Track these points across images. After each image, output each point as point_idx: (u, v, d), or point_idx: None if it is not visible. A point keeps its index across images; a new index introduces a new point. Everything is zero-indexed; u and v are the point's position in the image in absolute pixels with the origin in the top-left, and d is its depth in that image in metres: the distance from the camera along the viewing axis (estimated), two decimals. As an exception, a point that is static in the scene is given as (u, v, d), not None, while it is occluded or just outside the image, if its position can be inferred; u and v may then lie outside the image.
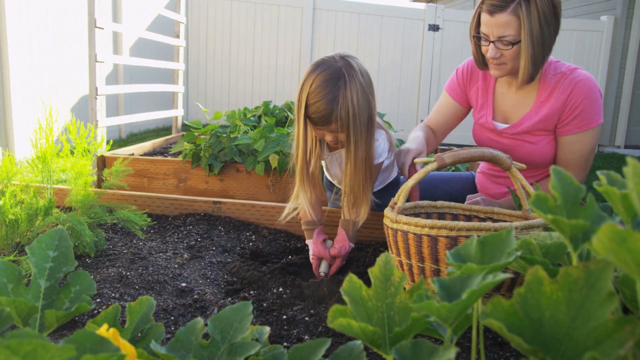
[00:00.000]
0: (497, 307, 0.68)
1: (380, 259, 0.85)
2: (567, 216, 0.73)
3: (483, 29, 1.78)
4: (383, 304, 0.83)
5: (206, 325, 0.87)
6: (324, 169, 2.05)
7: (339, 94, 1.58)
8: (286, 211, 1.83)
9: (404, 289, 0.82)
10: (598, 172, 0.85)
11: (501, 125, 1.99)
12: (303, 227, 1.86)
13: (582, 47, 8.03)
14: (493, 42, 1.76)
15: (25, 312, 0.82)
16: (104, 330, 0.72)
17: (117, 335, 0.72)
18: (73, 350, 0.57)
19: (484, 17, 1.76)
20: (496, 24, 1.72)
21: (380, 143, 1.76)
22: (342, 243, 1.77)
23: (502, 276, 0.72)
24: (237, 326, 0.85)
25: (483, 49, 1.83)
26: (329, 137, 1.68)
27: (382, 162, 1.83)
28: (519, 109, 1.96)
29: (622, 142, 8.31)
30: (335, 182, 2.05)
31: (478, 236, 0.94)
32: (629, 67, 8.12)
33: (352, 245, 1.80)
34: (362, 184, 1.70)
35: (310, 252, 1.80)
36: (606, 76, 8.06)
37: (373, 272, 0.84)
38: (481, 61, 1.92)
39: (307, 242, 1.84)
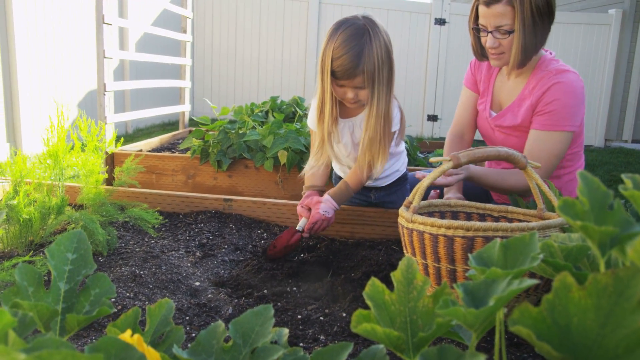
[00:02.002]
0: (525, 314, 0.68)
1: (402, 263, 0.84)
2: (594, 221, 0.72)
3: (481, 20, 1.87)
4: (406, 308, 0.82)
5: (227, 328, 0.87)
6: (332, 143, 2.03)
7: (364, 47, 1.67)
8: (306, 168, 1.97)
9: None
10: (623, 175, 0.84)
11: (494, 114, 2.08)
12: (303, 192, 1.98)
13: (589, 40, 7.97)
14: (491, 32, 1.85)
15: (47, 316, 0.82)
16: (128, 336, 0.72)
17: (141, 341, 0.72)
18: (102, 359, 0.57)
19: (481, 9, 1.85)
20: (492, 15, 1.82)
21: (394, 110, 1.86)
22: (324, 202, 1.84)
23: (529, 282, 0.71)
24: (259, 330, 0.84)
25: (482, 40, 1.92)
26: (350, 94, 1.75)
27: (396, 132, 1.91)
28: (508, 98, 2.04)
29: (629, 136, 8.26)
30: (342, 156, 2.03)
31: (501, 237, 0.93)
32: (637, 61, 8.06)
33: (338, 206, 1.87)
34: (381, 137, 1.80)
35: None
36: (614, 70, 8.01)
37: (395, 275, 0.83)
38: (480, 52, 2.00)
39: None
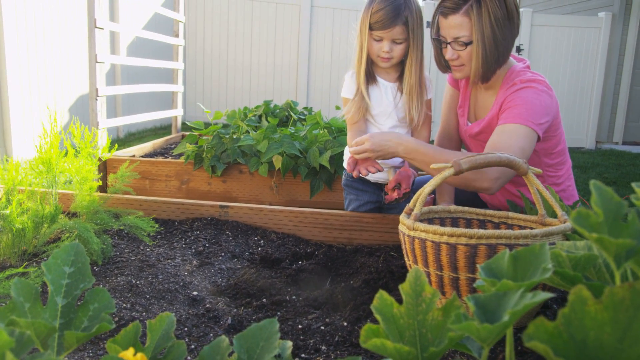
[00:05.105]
0: (540, 329, 0.66)
1: (410, 275, 0.82)
2: (608, 233, 0.71)
3: (441, 31, 1.84)
4: (414, 321, 0.80)
5: (229, 339, 0.84)
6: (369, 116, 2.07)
7: (402, 2, 1.86)
8: (345, 111, 2.05)
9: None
10: (633, 184, 0.83)
11: (469, 124, 2.05)
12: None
13: (579, 43, 8.02)
14: (449, 43, 1.81)
15: (45, 334, 0.79)
16: (130, 355, 0.70)
17: (145, 360, 0.69)
18: (106, 382, 0.55)
19: (440, 20, 1.83)
20: (450, 26, 1.78)
21: (426, 81, 2.04)
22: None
23: (543, 295, 0.69)
24: (264, 345, 0.82)
25: (443, 51, 1.89)
26: (386, 47, 1.89)
27: (430, 100, 2.07)
28: (483, 111, 2.00)
29: (620, 138, 8.32)
30: (385, 114, 2.04)
31: (505, 245, 0.91)
32: (626, 63, 8.12)
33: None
34: (420, 84, 1.98)
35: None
36: (604, 73, 8.06)
37: (404, 288, 0.81)
38: (443, 64, 1.96)
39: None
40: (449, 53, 1.83)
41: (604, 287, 0.80)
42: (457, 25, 1.76)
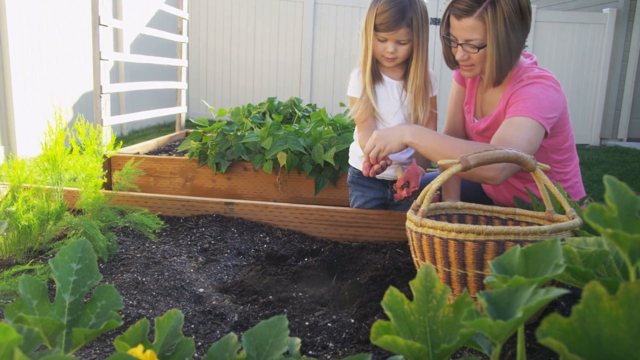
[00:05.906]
0: (555, 325, 0.65)
1: (421, 271, 0.82)
2: (622, 228, 0.70)
3: (452, 31, 1.80)
4: (425, 317, 0.80)
5: (239, 340, 0.84)
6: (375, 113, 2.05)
7: (407, 3, 1.85)
8: (353, 110, 2.03)
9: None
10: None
11: (476, 121, 2.04)
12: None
13: (584, 39, 7.98)
14: (461, 44, 1.78)
15: (53, 331, 0.79)
16: (140, 352, 0.69)
17: (154, 357, 0.69)
18: (116, 380, 0.54)
19: (452, 20, 1.78)
20: (463, 28, 1.75)
21: (431, 78, 2.03)
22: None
23: (556, 292, 0.68)
24: (273, 342, 0.82)
25: (453, 50, 1.86)
26: (390, 48, 1.89)
27: (435, 97, 2.08)
28: (489, 107, 1.99)
29: (624, 135, 8.29)
30: (390, 113, 2.03)
31: (513, 242, 0.90)
32: (631, 60, 8.08)
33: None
34: (425, 83, 1.98)
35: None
36: (608, 69, 8.03)
37: (414, 284, 0.81)
38: (452, 61, 1.93)
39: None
40: (459, 54, 1.81)
41: (617, 284, 0.79)
42: (470, 28, 1.73)
